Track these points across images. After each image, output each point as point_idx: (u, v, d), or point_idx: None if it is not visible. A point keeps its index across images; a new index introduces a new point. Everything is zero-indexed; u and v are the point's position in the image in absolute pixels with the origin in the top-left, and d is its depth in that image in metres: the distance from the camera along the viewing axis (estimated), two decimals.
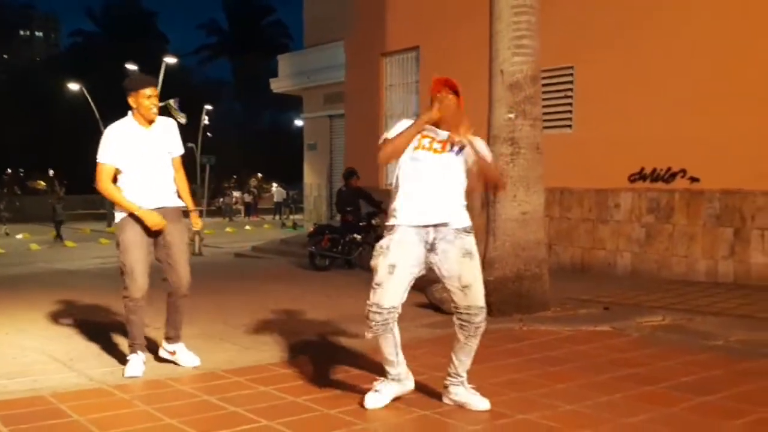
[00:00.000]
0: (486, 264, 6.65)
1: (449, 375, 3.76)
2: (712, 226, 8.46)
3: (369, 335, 3.65)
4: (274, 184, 43.98)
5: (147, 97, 4.53)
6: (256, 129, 59.74)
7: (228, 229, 30.48)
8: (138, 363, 4.61)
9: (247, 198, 43.86)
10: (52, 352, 5.35)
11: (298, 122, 30.06)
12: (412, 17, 12.34)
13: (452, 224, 3.63)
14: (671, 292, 7.70)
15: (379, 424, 3.56)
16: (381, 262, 3.59)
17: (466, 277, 3.59)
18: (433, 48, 11.91)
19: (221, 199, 44.86)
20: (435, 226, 3.61)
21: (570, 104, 9.94)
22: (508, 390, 4.06)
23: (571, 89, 9.90)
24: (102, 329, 6.31)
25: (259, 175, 62.41)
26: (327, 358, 4.85)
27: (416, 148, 3.64)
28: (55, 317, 7.11)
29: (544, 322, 6.09)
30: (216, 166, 39.91)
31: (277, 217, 37.02)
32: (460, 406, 3.72)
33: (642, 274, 9.03)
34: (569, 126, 9.95)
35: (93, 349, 5.51)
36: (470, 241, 3.66)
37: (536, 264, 6.57)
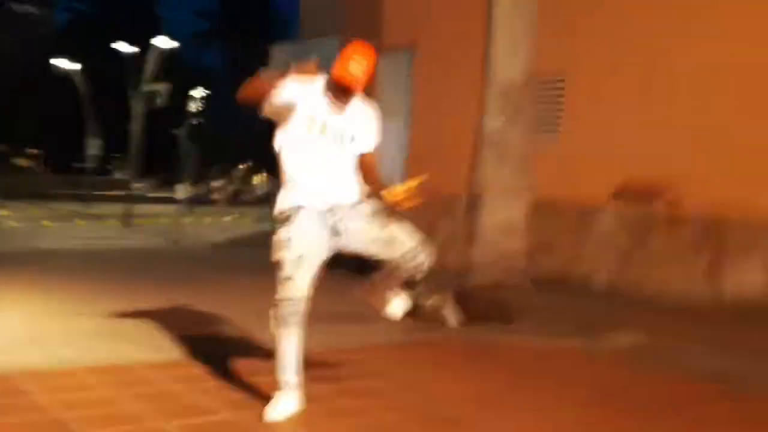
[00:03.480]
0: (465, 271, 6.64)
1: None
2: (689, 249, 8.48)
3: (280, 330, 3.49)
4: (261, 174, 43.71)
5: None
6: (246, 117, 59.54)
7: (207, 219, 30.27)
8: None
9: (230, 188, 43.47)
10: (25, 332, 5.29)
11: None
12: (406, 16, 12.31)
13: (346, 202, 3.52)
14: (646, 312, 7.72)
15: (341, 426, 3.53)
16: (287, 255, 3.45)
17: (383, 233, 3.48)
18: (428, 48, 11.89)
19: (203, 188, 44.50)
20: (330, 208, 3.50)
21: (559, 116, 9.95)
22: (478, 400, 4.05)
23: (560, 101, 9.91)
24: (76, 311, 6.25)
25: (248, 164, 62.10)
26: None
27: (308, 132, 3.50)
28: (29, 297, 7.02)
29: (520, 333, 6.08)
30: (202, 154, 39.75)
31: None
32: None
33: (619, 292, 9.04)
34: (556, 136, 9.96)
35: (67, 330, 5.45)
36: (365, 206, 3.54)
37: (516, 274, 6.56)
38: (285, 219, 3.51)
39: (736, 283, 8.10)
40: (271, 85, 3.46)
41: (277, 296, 3.48)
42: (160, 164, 52.62)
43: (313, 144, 3.50)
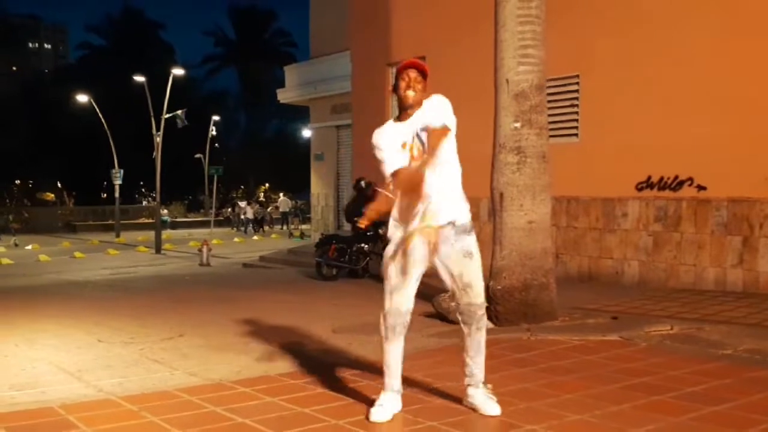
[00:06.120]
0: (493, 273, 6.65)
1: (465, 375, 3.85)
2: (720, 234, 8.43)
3: (386, 338, 3.70)
4: (281, 194, 44.05)
5: None
6: (262, 139, 59.99)
7: (236, 240, 30.52)
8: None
9: (256, 208, 43.83)
10: (61, 363, 5.38)
11: (306, 132, 30.14)
12: (417, 27, 12.38)
13: (456, 222, 3.68)
14: (679, 300, 7.67)
15: None
16: (393, 268, 3.66)
17: (467, 276, 3.72)
18: (439, 57, 11.92)
19: (229, 210, 44.89)
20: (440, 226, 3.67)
21: (576, 113, 9.95)
22: (516, 400, 4.05)
23: (577, 98, 9.91)
24: (113, 340, 6.34)
25: (266, 185, 62.52)
26: (334, 368, 4.85)
27: (411, 159, 3.66)
28: (64, 328, 7.14)
29: (552, 331, 6.08)
30: (223, 177, 40.03)
31: (285, 227, 37.01)
32: (473, 410, 3.81)
33: (650, 283, 9.00)
34: (576, 135, 9.95)
35: (102, 360, 5.54)
36: (470, 241, 3.73)
37: (543, 273, 6.56)
38: (393, 235, 3.71)
39: None
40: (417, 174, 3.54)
41: (386, 307, 3.68)
42: (185, 190, 53.16)
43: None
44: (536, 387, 4.35)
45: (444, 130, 3.53)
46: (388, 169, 3.67)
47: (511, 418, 3.71)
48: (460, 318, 3.81)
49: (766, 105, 8.05)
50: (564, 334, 5.95)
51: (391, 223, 3.75)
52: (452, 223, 3.67)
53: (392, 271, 3.67)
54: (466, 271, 3.71)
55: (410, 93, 3.64)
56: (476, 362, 3.80)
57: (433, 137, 3.50)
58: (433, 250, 3.60)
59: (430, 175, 3.52)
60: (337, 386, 4.39)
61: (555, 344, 5.63)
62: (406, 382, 4.01)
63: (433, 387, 4.26)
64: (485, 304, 3.79)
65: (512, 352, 5.39)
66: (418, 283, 3.74)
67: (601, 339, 5.78)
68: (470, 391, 3.84)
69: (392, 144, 3.68)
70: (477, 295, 3.74)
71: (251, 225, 36.01)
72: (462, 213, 3.72)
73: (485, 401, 3.79)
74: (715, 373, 4.63)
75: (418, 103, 3.66)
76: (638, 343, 5.63)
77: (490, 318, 6.48)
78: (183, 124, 29.93)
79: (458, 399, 3.92)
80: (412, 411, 3.85)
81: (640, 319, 6.52)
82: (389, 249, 3.71)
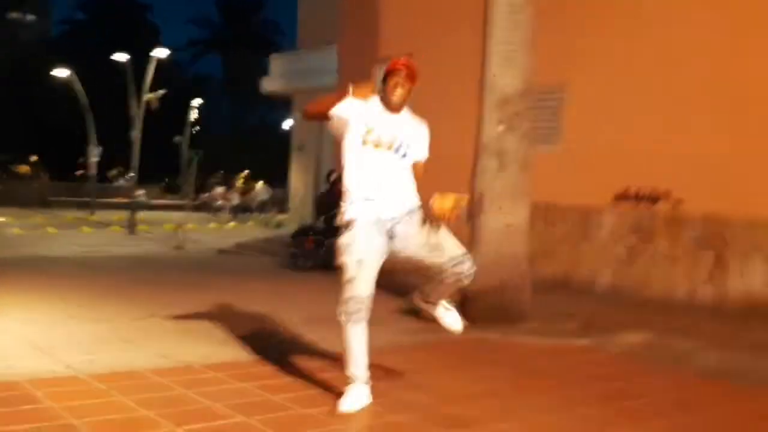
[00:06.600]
0: None
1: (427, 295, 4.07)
2: (693, 249, 8.52)
3: (348, 326, 3.73)
4: (260, 183, 43.80)
5: None
6: (244, 126, 59.70)
7: (211, 225, 30.31)
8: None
9: (232, 195, 43.48)
10: (30, 338, 5.33)
11: (287, 122, 30.00)
12: (404, 26, 12.36)
13: (412, 208, 3.80)
14: (650, 312, 7.75)
15: (353, 425, 3.57)
16: (348, 259, 3.72)
17: (433, 238, 3.75)
18: (425, 57, 11.91)
19: (206, 195, 44.54)
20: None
21: (559, 120, 10.00)
22: (486, 399, 4.09)
23: (560, 106, 9.96)
24: (83, 317, 6.30)
25: (246, 172, 62.17)
26: (305, 358, 4.85)
27: (364, 143, 3.75)
28: (35, 303, 7.07)
29: (525, 334, 6.12)
30: (202, 161, 39.69)
31: (261, 215, 36.80)
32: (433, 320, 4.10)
33: (623, 292, 9.07)
34: (557, 142, 10.00)
35: (72, 336, 5.49)
36: (419, 214, 3.81)
37: (518, 276, 6.60)
38: (346, 225, 3.77)
39: (739, 281, 8.13)
40: (332, 103, 3.78)
41: (343, 296, 3.72)
42: (161, 172, 52.70)
43: (370, 156, 3.75)
44: (506, 387, 4.40)
45: (424, 164, 3.95)
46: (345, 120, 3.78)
47: (480, 417, 3.74)
48: (451, 280, 3.84)
49: (749, 120, 8.13)
50: (536, 337, 6.00)
51: (349, 214, 3.76)
52: (411, 210, 3.79)
53: (349, 258, 3.71)
54: (428, 235, 3.75)
55: (398, 92, 3.79)
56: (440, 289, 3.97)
57: (419, 171, 3.91)
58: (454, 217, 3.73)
59: (393, 172, 3.78)
60: (307, 375, 4.39)
61: (527, 347, 5.68)
62: (377, 375, 4.03)
63: (403, 381, 4.28)
64: (468, 254, 3.82)
65: (484, 352, 5.43)
66: (377, 270, 3.76)
67: (572, 344, 5.84)
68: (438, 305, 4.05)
69: (360, 113, 3.76)
70: (453, 249, 3.77)
71: (233, 211, 35.77)
72: (415, 198, 3.85)
73: (447, 313, 4.08)
74: (681, 383, 4.70)
75: (403, 102, 3.84)
76: (608, 349, 5.69)
77: (463, 317, 6.52)
78: (155, 107, 29.53)
79: (429, 394, 3.93)
80: (381, 404, 3.86)
81: (611, 327, 6.57)
82: (345, 237, 3.75)
